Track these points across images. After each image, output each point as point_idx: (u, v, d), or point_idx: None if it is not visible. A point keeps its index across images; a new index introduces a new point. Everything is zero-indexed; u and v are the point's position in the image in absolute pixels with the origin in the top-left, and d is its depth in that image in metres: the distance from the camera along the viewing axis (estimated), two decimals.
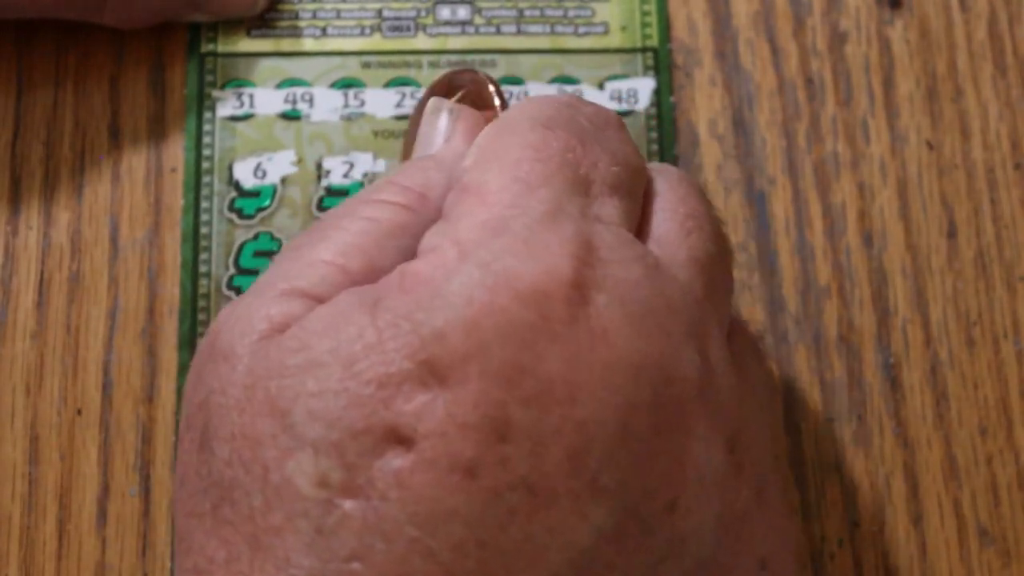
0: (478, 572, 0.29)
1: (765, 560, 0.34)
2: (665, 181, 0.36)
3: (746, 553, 0.33)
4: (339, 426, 0.29)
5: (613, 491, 0.30)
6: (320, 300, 0.32)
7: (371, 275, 0.33)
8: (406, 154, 0.42)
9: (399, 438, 0.29)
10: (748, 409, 0.34)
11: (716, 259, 0.35)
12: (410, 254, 0.33)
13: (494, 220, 0.32)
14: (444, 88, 0.41)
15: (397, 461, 0.29)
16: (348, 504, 0.29)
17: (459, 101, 0.40)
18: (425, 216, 0.35)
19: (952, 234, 0.45)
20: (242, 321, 0.33)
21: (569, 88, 0.46)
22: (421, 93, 0.46)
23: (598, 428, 0.30)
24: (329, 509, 0.29)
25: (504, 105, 0.39)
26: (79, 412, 0.43)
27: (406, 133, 0.43)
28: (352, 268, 0.33)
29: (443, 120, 0.38)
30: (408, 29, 0.47)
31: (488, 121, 0.37)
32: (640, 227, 0.35)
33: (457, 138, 0.38)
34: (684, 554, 0.31)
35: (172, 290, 0.44)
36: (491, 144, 0.34)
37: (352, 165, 0.45)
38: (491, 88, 0.40)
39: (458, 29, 0.47)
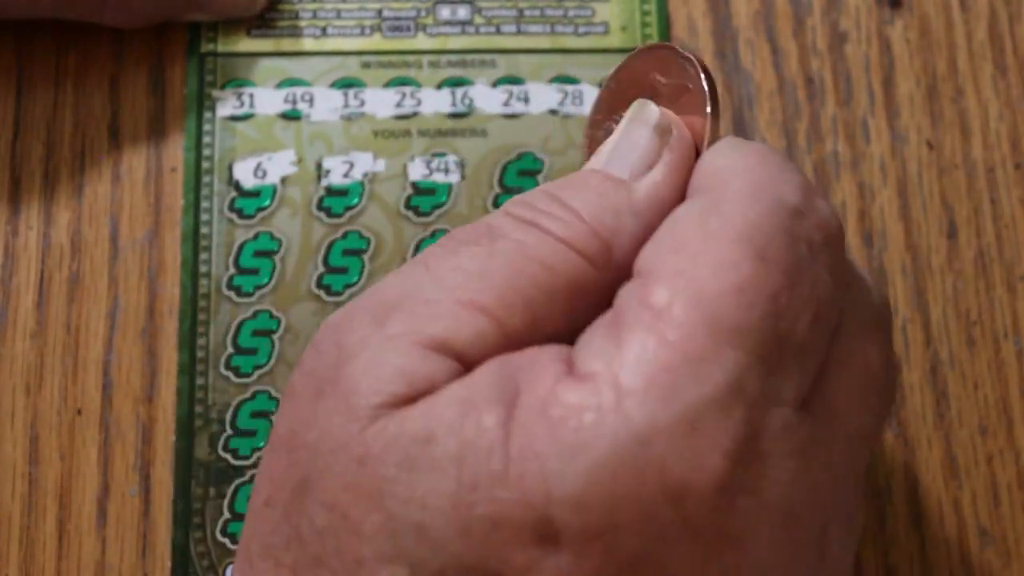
0: None
1: None
2: (859, 332, 0.32)
3: None
4: (444, 554, 0.27)
5: None
6: (466, 364, 0.30)
7: (531, 337, 0.30)
8: (588, 139, 0.37)
9: None
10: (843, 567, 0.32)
11: (876, 434, 0.32)
12: (581, 318, 0.30)
13: (667, 376, 0.28)
14: (652, 64, 0.35)
15: None
16: None
17: (663, 89, 0.35)
18: (607, 275, 0.31)
19: (952, 234, 0.45)
20: (378, 365, 0.30)
21: (569, 88, 0.46)
22: (421, 93, 0.46)
23: None
24: None
25: (715, 129, 0.34)
26: (79, 412, 0.43)
27: (592, 110, 0.38)
28: (511, 327, 0.30)
29: (647, 138, 0.33)
30: (408, 29, 0.47)
31: (694, 133, 0.34)
32: (821, 387, 0.31)
33: (662, 173, 0.33)
34: None
35: (172, 290, 0.44)
36: (691, 249, 0.30)
37: (352, 165, 0.45)
38: (708, 108, 0.33)
39: (458, 29, 0.47)
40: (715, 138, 0.34)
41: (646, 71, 0.35)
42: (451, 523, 0.28)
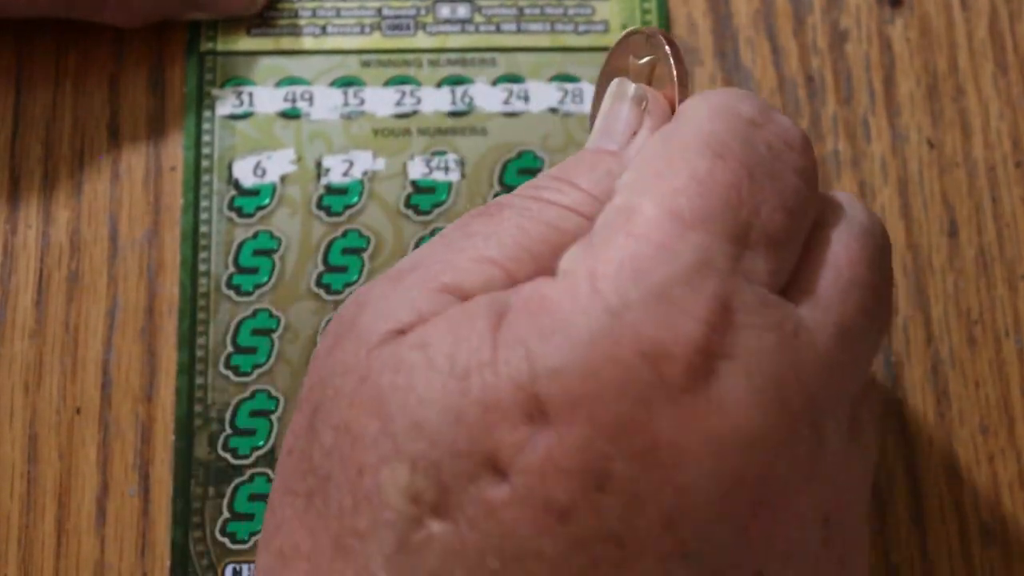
0: None
1: None
2: (846, 231, 0.34)
3: None
4: (440, 444, 0.29)
5: (701, 558, 0.29)
6: None
7: None
8: (591, 126, 0.39)
9: (496, 467, 0.29)
10: (851, 480, 0.33)
11: (866, 333, 0.33)
12: None
13: (635, 260, 0.30)
14: (629, 48, 0.38)
15: (490, 491, 0.28)
16: (435, 525, 0.29)
17: (641, 69, 0.38)
18: None
19: (953, 232, 0.45)
20: (391, 305, 0.32)
21: (569, 87, 0.46)
22: (421, 92, 0.46)
23: (697, 496, 0.29)
24: (416, 527, 0.29)
25: (683, 88, 0.37)
26: (78, 411, 0.43)
27: (594, 100, 0.40)
28: (520, 276, 0.32)
29: (627, 110, 0.36)
30: (408, 28, 0.47)
31: (671, 103, 0.36)
32: (798, 278, 0.33)
33: (644, 135, 0.36)
34: None
35: (171, 289, 0.44)
36: (656, 160, 0.32)
37: (352, 163, 0.45)
38: (673, 69, 0.36)
39: (458, 27, 0.47)
40: (685, 96, 0.36)
41: (623, 58, 0.38)
42: (444, 413, 0.29)
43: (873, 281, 0.33)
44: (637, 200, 0.31)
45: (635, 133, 0.36)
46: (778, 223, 0.32)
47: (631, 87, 0.37)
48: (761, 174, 0.32)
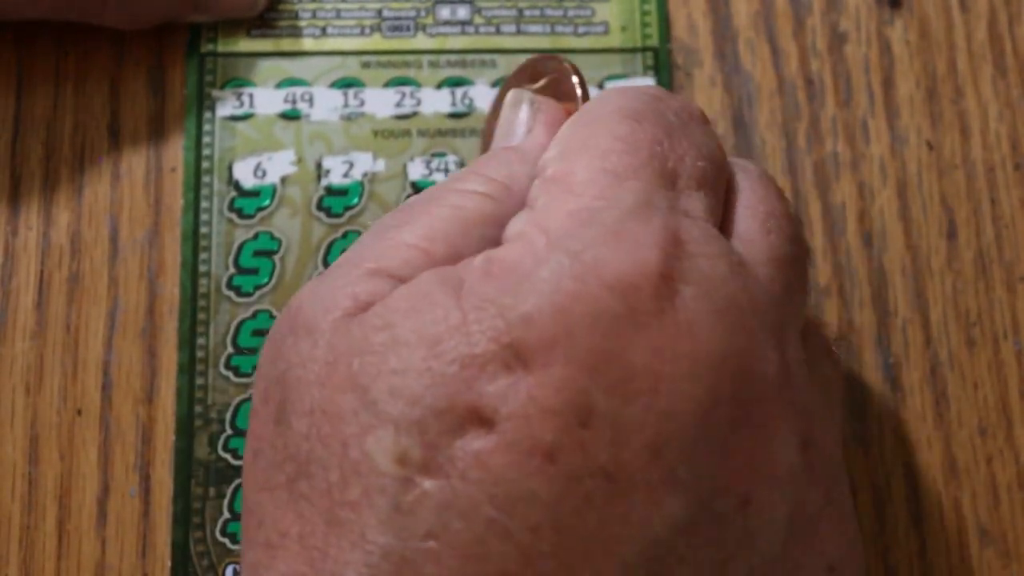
0: (553, 555, 0.29)
1: (833, 565, 0.34)
2: (746, 178, 0.36)
3: (815, 555, 0.33)
4: (421, 404, 0.29)
5: (689, 484, 0.30)
6: (403, 281, 0.33)
7: (454, 261, 0.33)
8: (485, 145, 0.42)
9: (480, 419, 0.29)
10: (820, 409, 0.34)
11: (794, 259, 0.35)
12: (493, 243, 0.34)
13: (583, 210, 0.32)
14: (526, 76, 0.41)
15: (478, 442, 0.29)
16: (427, 483, 0.29)
17: (539, 91, 0.40)
18: (509, 206, 0.35)
19: (952, 234, 0.45)
20: (326, 298, 0.33)
21: None
22: (421, 93, 0.46)
23: (679, 420, 0.30)
24: (407, 487, 0.29)
25: (586, 97, 0.39)
26: (79, 412, 0.43)
27: (485, 122, 0.43)
28: (436, 253, 0.33)
29: (524, 112, 0.39)
30: (408, 29, 0.47)
31: (569, 114, 0.38)
32: (724, 219, 0.35)
33: (539, 130, 0.38)
34: (753, 551, 0.31)
35: (172, 290, 0.44)
36: (577, 134, 0.34)
37: (352, 165, 0.45)
38: (575, 79, 0.39)
39: (458, 29, 0.47)
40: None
41: (519, 85, 0.41)
42: (422, 376, 0.30)
43: (785, 210, 0.36)
44: (568, 166, 0.33)
45: (530, 130, 0.39)
46: (702, 170, 0.34)
47: (526, 94, 0.39)
48: (676, 133, 0.35)
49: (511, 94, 0.39)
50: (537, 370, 0.29)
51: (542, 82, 0.40)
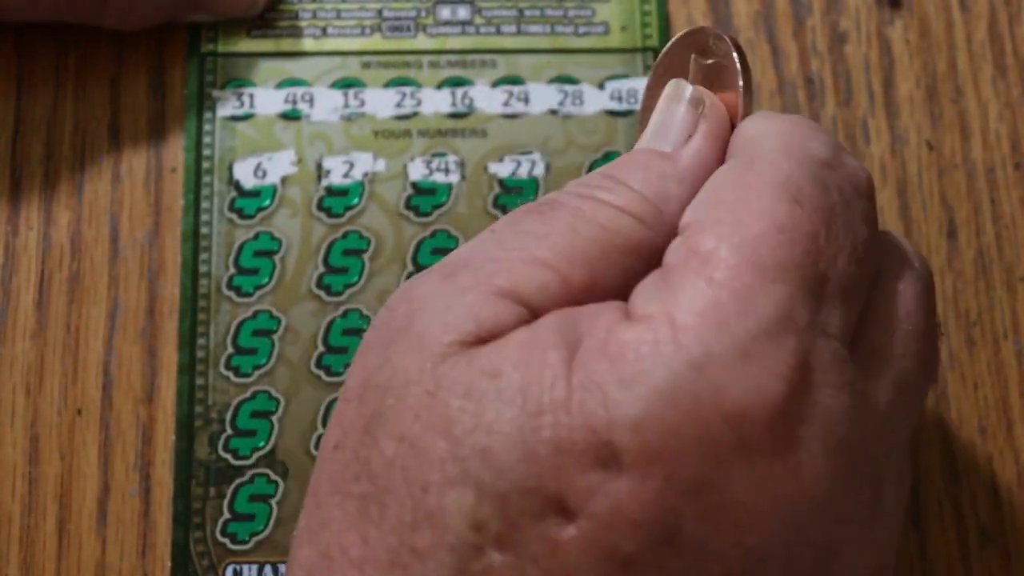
0: None
1: None
2: (903, 282, 0.34)
3: None
4: (509, 478, 0.29)
5: None
6: (533, 311, 0.31)
7: (591, 292, 0.32)
8: (642, 124, 0.39)
9: (563, 509, 0.28)
10: (895, 533, 0.33)
11: (919, 383, 0.33)
12: (636, 276, 0.32)
13: (718, 310, 0.29)
14: (693, 47, 0.38)
15: (556, 531, 0.28)
16: (497, 557, 0.29)
17: (702, 72, 0.37)
18: (657, 235, 0.33)
19: (952, 234, 0.45)
20: (449, 311, 0.31)
21: (569, 88, 0.46)
22: (421, 93, 0.46)
23: (763, 557, 0.29)
24: (477, 555, 0.29)
25: (748, 94, 0.36)
26: (79, 412, 0.43)
27: (643, 97, 0.40)
28: (574, 281, 0.32)
29: (683, 111, 0.36)
30: (408, 29, 0.47)
31: (730, 109, 0.36)
32: (863, 327, 0.33)
33: (700, 141, 0.35)
34: None
35: (172, 290, 0.44)
36: (731, 200, 0.32)
37: (352, 165, 0.45)
38: (740, 81, 0.36)
39: (458, 29, 0.47)
40: (749, 110, 0.36)
41: (684, 55, 0.38)
42: (516, 447, 0.29)
43: (928, 330, 0.34)
44: (714, 243, 0.31)
45: (690, 136, 0.35)
46: (851, 275, 0.32)
47: (688, 88, 0.36)
48: (836, 223, 0.32)
49: (671, 85, 0.36)
50: (632, 477, 0.28)
51: (710, 61, 0.37)
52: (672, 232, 0.32)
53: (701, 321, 0.29)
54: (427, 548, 0.29)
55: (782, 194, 0.31)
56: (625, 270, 0.32)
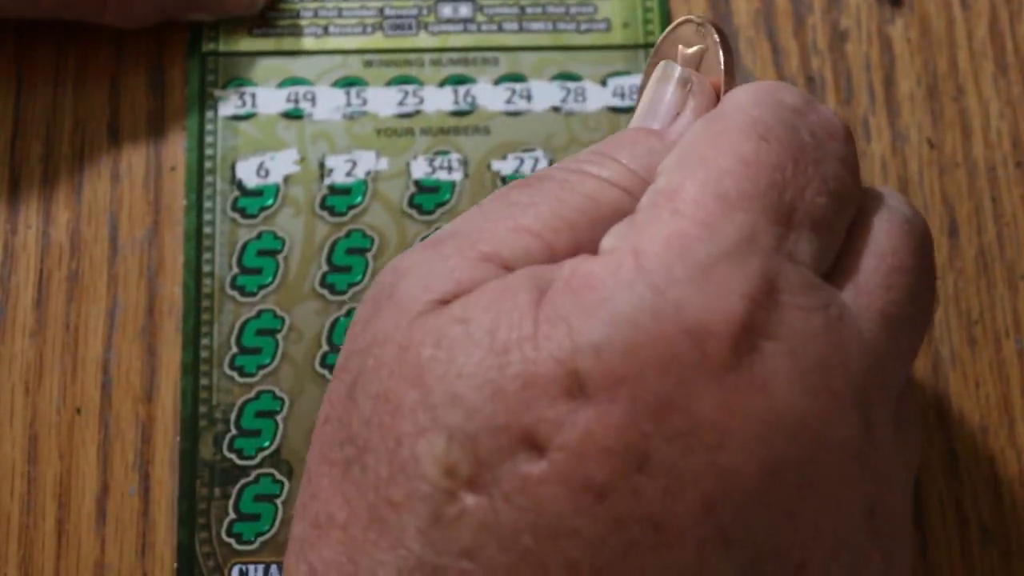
0: None
1: None
2: (888, 220, 0.34)
3: None
4: (478, 418, 0.29)
5: (741, 544, 0.29)
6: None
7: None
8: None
9: (533, 443, 0.28)
10: (896, 470, 0.32)
11: (910, 320, 0.33)
12: None
13: (680, 237, 0.30)
14: (680, 38, 0.39)
15: (527, 467, 0.28)
16: (470, 499, 0.29)
17: (689, 58, 0.38)
18: None
19: (953, 232, 0.45)
20: (431, 274, 0.32)
21: (571, 85, 0.46)
22: (423, 91, 0.46)
23: (739, 479, 0.28)
24: (450, 500, 0.29)
25: (729, 75, 0.37)
26: (78, 411, 0.43)
27: (640, 89, 0.40)
28: (558, 246, 0.32)
29: (672, 90, 0.37)
30: (410, 27, 0.47)
31: (716, 91, 0.37)
32: (841, 264, 0.33)
33: (687, 117, 0.36)
34: None
35: (172, 289, 0.44)
36: (700, 145, 0.32)
37: (355, 163, 0.45)
38: (721, 57, 0.37)
39: (460, 27, 0.47)
40: (731, 86, 0.37)
41: (672, 49, 0.39)
42: (484, 387, 0.29)
43: (916, 268, 0.34)
44: (680, 180, 0.31)
45: (679, 114, 0.36)
46: (822, 206, 0.32)
47: (676, 69, 0.37)
48: (805, 159, 0.32)
49: (660, 67, 0.37)
50: (599, 404, 0.28)
51: (693, 49, 0.38)
52: None
53: (664, 248, 0.30)
54: (403, 499, 0.29)
55: (748, 132, 0.32)
56: None
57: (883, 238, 0.34)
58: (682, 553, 0.28)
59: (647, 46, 0.47)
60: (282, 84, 0.46)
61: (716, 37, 0.37)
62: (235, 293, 0.44)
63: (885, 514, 0.31)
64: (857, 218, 0.34)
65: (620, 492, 0.28)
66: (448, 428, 0.29)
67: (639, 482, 0.28)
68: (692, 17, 0.39)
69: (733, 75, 0.37)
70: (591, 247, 0.32)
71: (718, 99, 0.37)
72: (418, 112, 0.46)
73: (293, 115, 0.45)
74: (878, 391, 0.31)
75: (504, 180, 0.45)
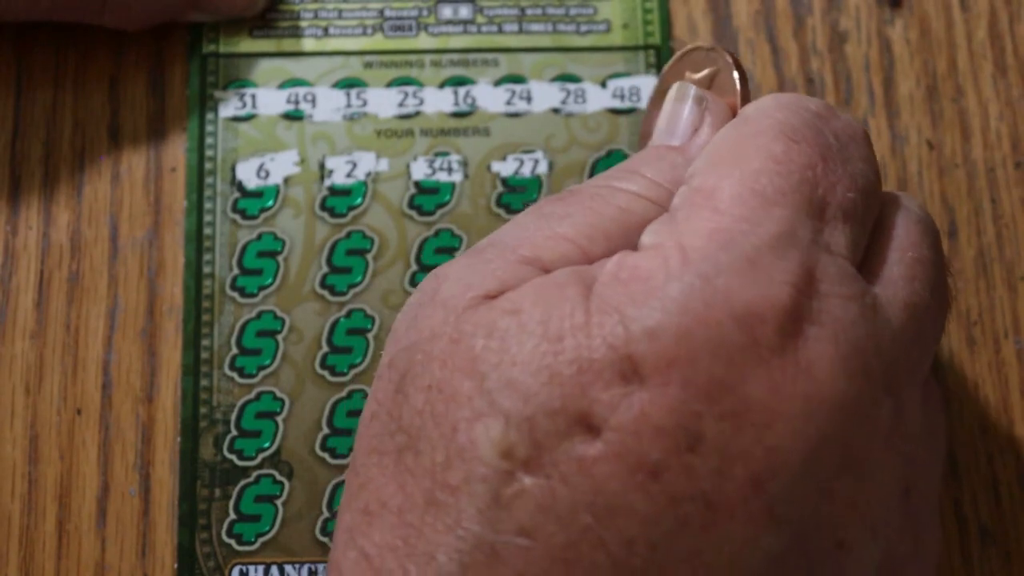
0: (643, 571, 0.29)
1: None
2: (904, 217, 0.36)
3: None
4: (534, 402, 0.30)
5: (787, 520, 0.30)
6: None
7: None
8: (644, 138, 0.41)
9: (589, 425, 0.29)
10: (926, 455, 0.34)
11: (931, 311, 0.35)
12: None
13: (723, 232, 0.31)
14: (687, 65, 0.41)
15: (583, 448, 0.29)
16: (528, 480, 0.29)
17: (698, 83, 0.39)
18: None
19: (952, 233, 0.45)
20: (472, 276, 0.33)
21: (571, 86, 0.46)
22: (424, 93, 0.46)
23: (785, 457, 0.30)
24: (509, 481, 0.30)
25: (745, 93, 0.39)
26: (79, 412, 0.43)
27: (645, 114, 0.42)
28: (594, 253, 0.34)
29: (689, 109, 0.38)
30: (410, 28, 0.47)
31: (731, 110, 0.38)
32: (867, 259, 0.34)
33: (706, 132, 0.38)
34: None
35: (172, 290, 0.44)
36: (731, 147, 0.34)
37: (355, 165, 0.45)
38: (735, 75, 0.39)
39: (460, 28, 0.47)
40: (748, 101, 0.38)
41: (678, 74, 0.40)
42: (539, 373, 0.30)
43: (935, 260, 0.35)
44: (716, 180, 0.33)
45: (696, 131, 0.38)
46: (852, 201, 0.34)
47: (692, 88, 0.39)
48: (833, 158, 0.34)
49: (676, 87, 0.39)
50: (652, 387, 0.29)
51: (703, 73, 0.40)
52: None
53: (708, 242, 0.31)
54: (460, 482, 0.30)
55: (777, 134, 0.34)
56: None
57: (903, 234, 0.35)
58: (732, 529, 0.29)
59: (647, 47, 0.47)
60: (282, 85, 0.46)
61: (728, 58, 0.39)
62: (235, 294, 0.44)
63: (918, 498, 0.33)
64: (878, 217, 0.35)
65: (674, 470, 0.29)
66: (505, 412, 0.30)
67: (691, 461, 0.29)
68: (700, 44, 0.40)
69: (748, 90, 0.39)
70: None
71: (733, 116, 0.37)
72: (418, 113, 0.46)
73: (293, 116, 0.46)
74: (907, 377, 0.33)
75: (504, 181, 0.45)
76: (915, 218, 0.36)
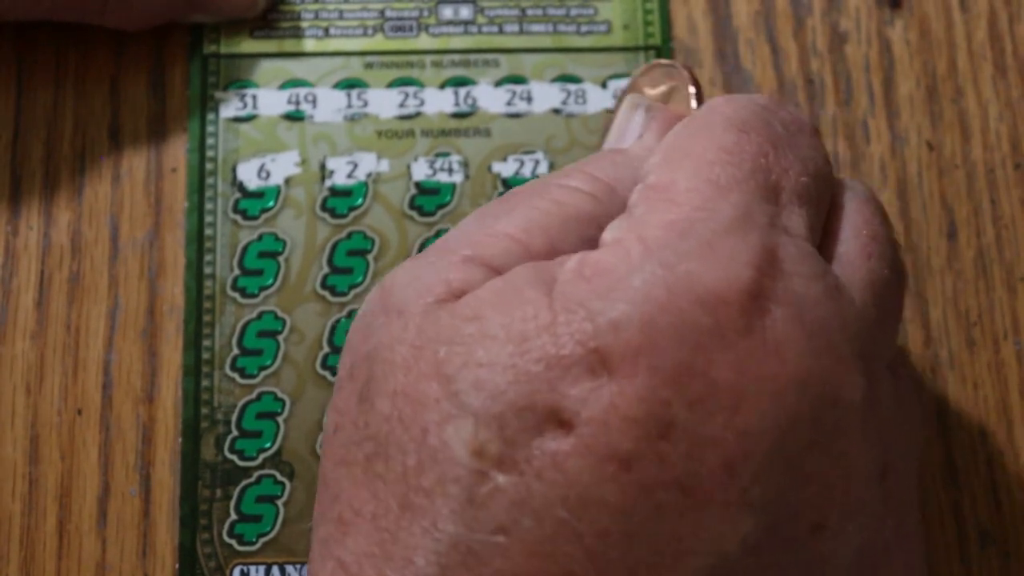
0: (620, 561, 0.29)
1: None
2: (853, 198, 0.36)
3: None
4: (503, 399, 0.30)
5: (762, 504, 0.30)
6: (498, 272, 0.33)
7: (550, 256, 0.33)
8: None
9: (560, 420, 0.29)
10: (902, 439, 0.34)
11: (891, 286, 0.35)
12: (591, 243, 0.33)
13: (681, 221, 0.32)
14: (647, 81, 0.42)
15: (555, 443, 0.29)
16: (501, 478, 0.30)
17: (658, 98, 0.40)
18: (612, 208, 0.35)
19: (952, 234, 0.45)
20: (420, 281, 0.33)
21: (572, 87, 0.46)
22: (424, 93, 0.46)
23: (757, 439, 0.30)
24: (482, 480, 0.30)
25: (700, 101, 0.40)
26: (79, 412, 0.43)
27: (606, 123, 0.43)
28: (533, 246, 0.34)
29: (638, 116, 0.39)
30: (411, 29, 0.47)
31: (680, 118, 0.38)
32: (823, 242, 0.35)
33: (650, 136, 0.39)
34: None
35: (172, 290, 0.44)
36: (682, 142, 0.34)
37: (356, 165, 0.45)
38: (691, 90, 0.40)
39: (461, 29, 0.47)
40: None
41: (639, 90, 0.41)
42: (507, 371, 0.30)
43: (887, 236, 0.36)
44: (670, 175, 0.33)
45: (642, 136, 0.39)
46: (805, 186, 0.34)
47: (641, 98, 0.40)
48: (783, 145, 0.34)
49: (628, 99, 0.40)
50: (621, 378, 0.29)
51: (660, 89, 0.41)
52: (624, 206, 0.34)
53: (667, 232, 0.31)
54: (433, 484, 0.30)
55: (728, 127, 0.34)
56: (582, 238, 0.34)
57: (855, 214, 0.36)
58: (708, 515, 0.29)
59: (647, 48, 0.47)
60: (283, 86, 0.46)
61: (685, 73, 0.40)
62: (236, 295, 0.44)
63: (896, 481, 0.33)
64: (831, 199, 0.36)
65: (645, 460, 0.29)
66: (474, 411, 0.30)
67: (663, 448, 0.29)
68: (660, 61, 0.42)
69: (702, 101, 0.39)
70: (565, 246, 0.34)
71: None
72: (419, 114, 0.46)
73: (294, 117, 0.46)
74: (875, 354, 0.33)
75: (505, 182, 0.45)
76: (864, 197, 0.36)
